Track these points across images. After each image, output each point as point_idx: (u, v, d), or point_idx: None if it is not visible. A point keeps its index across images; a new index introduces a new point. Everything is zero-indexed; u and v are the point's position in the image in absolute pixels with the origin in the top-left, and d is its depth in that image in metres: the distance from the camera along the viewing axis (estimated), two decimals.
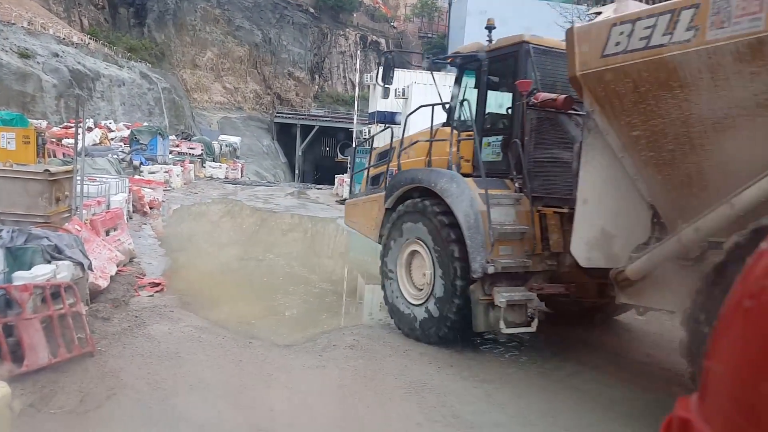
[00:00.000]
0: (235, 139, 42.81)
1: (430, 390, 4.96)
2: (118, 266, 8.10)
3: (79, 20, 54.49)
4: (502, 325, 5.39)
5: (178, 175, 22.95)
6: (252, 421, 4.30)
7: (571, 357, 6.07)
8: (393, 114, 29.46)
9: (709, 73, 3.81)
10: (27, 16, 40.60)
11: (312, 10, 75.31)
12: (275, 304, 7.69)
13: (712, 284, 3.93)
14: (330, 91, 79.12)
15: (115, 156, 21.79)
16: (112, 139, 30.13)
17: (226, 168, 31.10)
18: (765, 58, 3.52)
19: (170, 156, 28.86)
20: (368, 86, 38.64)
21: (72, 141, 18.40)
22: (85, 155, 10.19)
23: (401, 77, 31.47)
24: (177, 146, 33.08)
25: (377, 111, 30.58)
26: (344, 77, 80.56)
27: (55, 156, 18.45)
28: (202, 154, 33.06)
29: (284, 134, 57.29)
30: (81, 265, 6.12)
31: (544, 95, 5.51)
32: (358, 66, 50.87)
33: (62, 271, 5.66)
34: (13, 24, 37.26)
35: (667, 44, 3.96)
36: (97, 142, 27.22)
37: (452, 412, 4.56)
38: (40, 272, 5.31)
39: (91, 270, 6.53)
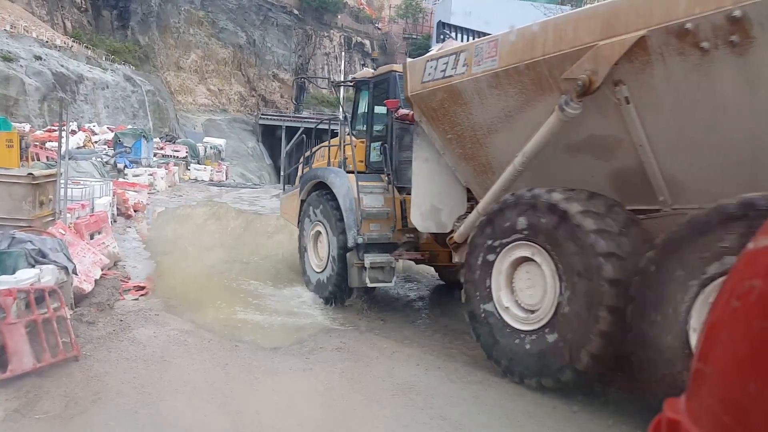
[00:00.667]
0: (219, 142, 42.52)
1: (418, 392, 4.96)
2: (102, 270, 8.00)
3: (62, 23, 53.85)
4: (367, 280, 7.19)
5: (162, 178, 22.70)
6: (238, 425, 4.27)
7: None
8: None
9: (477, 94, 5.62)
10: (9, 20, 40.07)
11: (296, 11, 75.11)
12: (262, 307, 7.64)
13: (471, 243, 5.60)
14: (315, 93, 78.82)
15: (99, 159, 21.51)
16: (95, 142, 29.74)
17: (211, 170, 30.83)
18: (502, 85, 5.29)
19: (154, 159, 28.56)
20: None
21: (55, 144, 18.17)
22: (69, 158, 10.07)
23: None
24: (161, 149, 32.75)
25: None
26: (329, 79, 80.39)
27: (38, 159, 18.19)
28: (186, 156, 32.74)
29: (269, 136, 57.13)
30: (65, 268, 6.04)
31: (402, 111, 7.09)
32: (342, 67, 50.89)
33: (46, 275, 5.59)
34: None
35: (453, 75, 5.78)
36: (81, 145, 26.87)
37: (440, 414, 4.56)
38: (24, 276, 5.24)
39: (76, 274, 6.45)
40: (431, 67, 6.14)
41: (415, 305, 8.12)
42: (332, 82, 9.78)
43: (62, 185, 8.66)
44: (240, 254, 11.07)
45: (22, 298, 4.92)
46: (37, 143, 21.69)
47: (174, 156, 31.51)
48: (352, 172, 7.75)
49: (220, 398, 4.67)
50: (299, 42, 76.62)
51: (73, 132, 26.18)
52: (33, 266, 5.59)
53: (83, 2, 57.25)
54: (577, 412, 4.72)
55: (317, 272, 8.14)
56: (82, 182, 12.04)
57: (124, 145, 25.86)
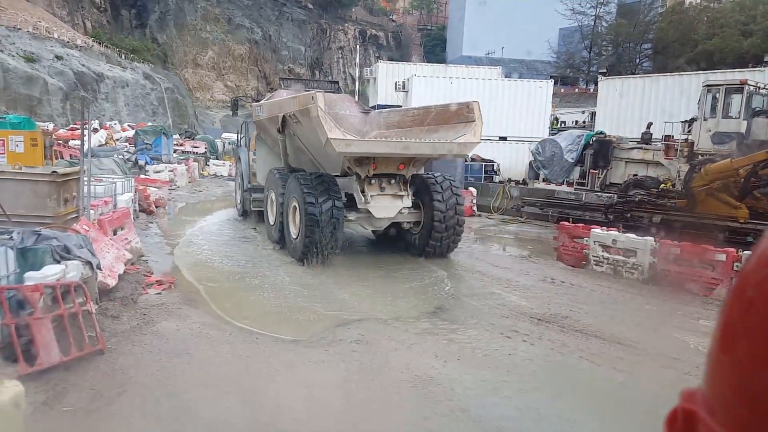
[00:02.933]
0: None
1: (437, 383, 4.96)
2: (126, 265, 8.11)
3: (83, 23, 54.48)
4: (251, 207, 13.40)
5: (182, 174, 22.93)
6: (260, 417, 4.32)
7: (580, 348, 6.08)
8: (393, 107, 29.39)
9: (267, 127, 12.03)
10: (32, 21, 40.65)
11: (311, 5, 75.03)
12: (283, 300, 7.69)
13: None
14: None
15: (121, 156, 21.77)
16: (117, 139, 30.10)
17: (230, 165, 31.05)
18: (270, 124, 11.51)
19: (174, 155, 28.84)
20: (368, 80, 38.49)
21: (78, 142, 18.33)
22: (92, 156, 10.20)
23: (401, 71, 31.32)
24: (181, 145, 33.06)
25: (378, 105, 30.62)
26: (344, 72, 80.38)
27: (62, 157, 18.47)
28: (205, 152, 33.02)
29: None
30: (90, 264, 6.14)
31: None
32: (357, 60, 50.67)
33: (71, 271, 5.68)
34: (19, 29, 37.30)
35: (260, 117, 12.23)
36: (103, 142, 27.21)
37: (459, 406, 4.56)
38: (50, 272, 5.33)
39: (100, 269, 6.55)
40: (255, 110, 12.79)
41: (433, 298, 8.11)
42: (255, 100, 16.93)
43: (85, 182, 8.79)
44: (261, 248, 11.15)
45: (49, 293, 5.02)
46: (60, 141, 22.03)
47: (193, 152, 31.78)
48: None
49: (241, 390, 4.72)
50: (314, 36, 76.50)
51: (95, 130, 26.55)
52: (58, 262, 5.69)
53: (102, 2, 57.82)
54: (597, 404, 4.69)
55: (239, 201, 15.05)
56: (104, 179, 12.21)
57: (145, 142, 26.15)
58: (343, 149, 8.97)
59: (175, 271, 8.92)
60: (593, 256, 9.87)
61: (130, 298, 7.02)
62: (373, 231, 11.97)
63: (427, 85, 26.60)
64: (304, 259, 9.52)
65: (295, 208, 9.91)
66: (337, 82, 18.04)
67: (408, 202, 10.28)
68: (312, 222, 9.27)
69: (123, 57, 48.49)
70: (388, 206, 10.18)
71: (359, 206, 10.07)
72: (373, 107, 30.76)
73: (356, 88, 40.59)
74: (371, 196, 9.99)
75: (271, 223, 11.52)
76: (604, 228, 10.52)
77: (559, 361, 5.72)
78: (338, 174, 10.19)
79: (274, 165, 12.10)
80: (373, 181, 10.03)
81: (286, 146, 11.17)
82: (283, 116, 10.43)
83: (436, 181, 10.61)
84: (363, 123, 12.46)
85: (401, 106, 24.29)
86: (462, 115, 10.09)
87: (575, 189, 17.85)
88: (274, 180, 11.36)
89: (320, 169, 10.64)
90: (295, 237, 9.97)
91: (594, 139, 18.60)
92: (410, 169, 10.22)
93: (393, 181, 10.22)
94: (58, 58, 37.27)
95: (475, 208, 17.63)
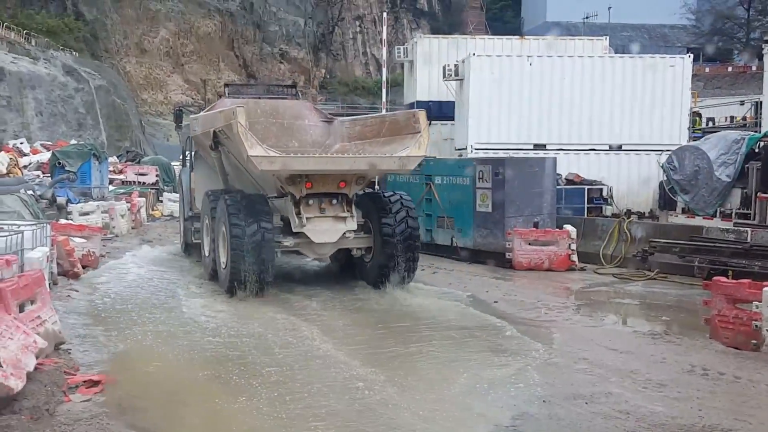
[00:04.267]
0: None
1: None
2: (38, 357, 8.18)
3: None
4: (193, 238, 17.13)
5: (123, 216, 23.32)
6: None
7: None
8: (441, 105, 29.27)
9: (203, 142, 15.77)
10: None
11: None
12: (279, 406, 7.62)
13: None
14: (344, 76, 79.59)
15: (31, 192, 22.23)
16: (25, 166, 30.87)
17: None
18: (204, 139, 15.14)
19: (111, 188, 29.40)
20: (401, 65, 38.76)
21: None
22: None
23: (452, 49, 31.39)
24: (120, 172, 33.77)
25: (417, 101, 30.64)
26: (364, 53, 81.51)
27: None
28: (157, 181, 33.62)
29: None
30: None
31: None
32: (384, 35, 51.17)
33: None
34: None
35: (197, 131, 16.26)
36: (4, 171, 27.91)
37: None
38: None
39: None
40: (192, 124, 16.59)
41: (510, 400, 8.03)
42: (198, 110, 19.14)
43: None
44: (237, 325, 11.18)
45: None
46: None
47: (139, 182, 32.41)
48: None
49: None
50: (319, 2, 77.87)
51: None
52: None
53: None
54: None
55: (181, 233, 19.53)
56: (6, 227, 12.47)
57: (67, 169, 26.59)
58: (267, 167, 12.10)
59: (113, 362, 8.97)
60: None
61: (44, 409, 7.04)
62: (332, 260, 15.94)
63: (493, 68, 26.60)
64: (232, 290, 12.83)
65: (224, 233, 13.03)
66: (295, 86, 22.21)
67: (353, 224, 13.46)
68: (237, 246, 12.36)
69: (33, 42, 50.01)
70: (328, 230, 13.25)
71: (294, 230, 13.16)
72: (411, 105, 30.93)
73: (383, 77, 40.96)
74: (307, 218, 13.00)
75: (206, 254, 14.75)
76: None
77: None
78: (275, 195, 13.64)
79: (215, 187, 15.38)
80: (311, 202, 13.14)
81: (223, 165, 14.71)
82: (214, 131, 13.58)
83: (389, 200, 13.94)
84: (325, 134, 15.61)
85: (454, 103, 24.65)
86: (410, 125, 13.27)
87: (735, 224, 17.60)
88: (207, 203, 14.64)
89: (259, 189, 14.03)
90: (223, 266, 13.28)
91: (761, 144, 18.39)
92: (353, 188, 13.42)
93: (335, 201, 13.34)
94: None
95: (575, 256, 17.51)
